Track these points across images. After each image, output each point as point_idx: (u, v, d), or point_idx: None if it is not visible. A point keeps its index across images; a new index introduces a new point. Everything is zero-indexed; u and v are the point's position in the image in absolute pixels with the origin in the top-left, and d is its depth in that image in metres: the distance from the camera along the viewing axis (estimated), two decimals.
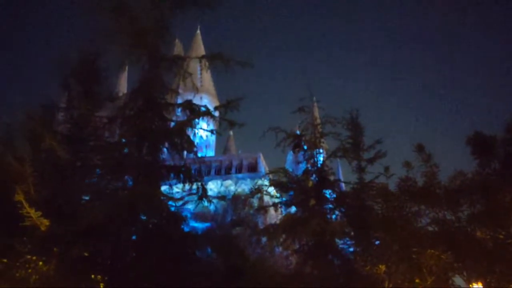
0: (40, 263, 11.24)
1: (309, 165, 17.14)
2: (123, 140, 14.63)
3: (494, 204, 13.25)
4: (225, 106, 14.82)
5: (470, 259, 13.24)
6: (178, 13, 14.96)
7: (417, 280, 13.53)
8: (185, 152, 15.01)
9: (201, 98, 55.42)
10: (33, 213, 11.04)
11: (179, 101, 15.71)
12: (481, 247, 13.26)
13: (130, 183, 13.63)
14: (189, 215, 15.81)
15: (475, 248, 13.15)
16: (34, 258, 11.23)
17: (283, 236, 16.17)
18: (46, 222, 11.21)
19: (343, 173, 39.67)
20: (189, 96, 16.15)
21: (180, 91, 15.95)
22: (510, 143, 14.08)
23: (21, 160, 12.31)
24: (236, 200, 29.36)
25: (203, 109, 14.98)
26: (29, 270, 11.16)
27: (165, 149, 14.55)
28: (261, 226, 23.22)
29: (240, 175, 52.69)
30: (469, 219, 14.03)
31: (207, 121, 15.84)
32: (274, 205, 17.52)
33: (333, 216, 16.55)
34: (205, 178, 20.69)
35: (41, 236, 11.22)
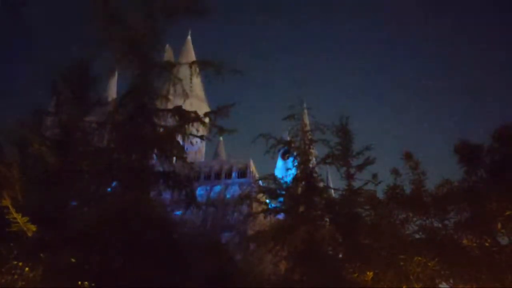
0: (27, 269, 11.11)
1: (298, 172, 17.20)
2: (112, 146, 14.58)
3: (480, 212, 13.39)
4: (215, 112, 14.87)
5: (457, 266, 13.33)
6: (171, 22, 15.04)
7: (404, 287, 13.61)
8: (174, 158, 15.00)
9: (191, 104, 55.47)
10: (19, 218, 10.92)
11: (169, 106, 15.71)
12: (467, 255, 13.38)
13: (119, 189, 13.58)
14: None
15: (461, 256, 13.26)
16: (21, 264, 11.11)
17: (272, 242, 16.17)
18: (33, 227, 11.09)
19: (332, 180, 39.83)
20: (179, 102, 16.17)
21: (170, 97, 15.95)
22: (496, 151, 14.25)
23: (9, 165, 12.21)
24: (225, 206, 29.33)
25: (192, 115, 15.01)
26: (15, 276, 11.03)
27: (154, 155, 14.53)
28: (250, 233, 23.20)
29: (229, 181, 52.68)
30: (456, 227, 14.15)
31: (197, 127, 15.85)
32: (263, 211, 17.54)
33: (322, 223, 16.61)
34: (194, 183, 20.63)
35: (28, 241, 11.11)
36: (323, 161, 17.21)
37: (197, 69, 15.73)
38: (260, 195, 18.03)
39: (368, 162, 16.63)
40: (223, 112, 14.84)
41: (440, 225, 14.44)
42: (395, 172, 15.43)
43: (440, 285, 14.08)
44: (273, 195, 17.22)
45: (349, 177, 16.72)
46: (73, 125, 14.41)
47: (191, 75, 15.67)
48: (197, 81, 16.02)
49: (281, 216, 17.75)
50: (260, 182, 18.28)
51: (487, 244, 13.37)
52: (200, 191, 47.49)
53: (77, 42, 15.20)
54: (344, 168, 16.86)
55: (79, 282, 11.78)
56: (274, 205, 17.64)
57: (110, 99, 17.82)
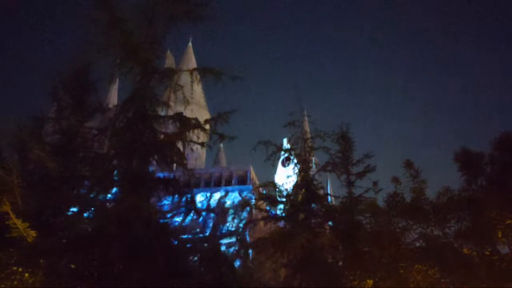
0: (26, 275, 11.09)
1: (298, 179, 17.23)
2: (113, 152, 14.57)
3: (481, 221, 13.36)
4: (216, 119, 14.88)
5: (457, 275, 13.29)
6: (172, 28, 15.08)
7: None
8: (174, 164, 15.00)
9: (191, 110, 55.60)
10: (19, 224, 10.92)
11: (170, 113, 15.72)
12: (468, 263, 13.34)
13: (119, 195, 13.57)
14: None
15: (461, 264, 13.23)
16: (20, 269, 11.08)
17: (272, 249, 16.16)
18: (33, 233, 11.09)
19: (333, 188, 39.85)
20: (179, 109, 16.18)
21: (171, 103, 15.97)
22: (496, 159, 14.24)
23: (9, 171, 12.21)
24: (225, 213, 29.29)
25: (193, 122, 15.01)
26: (15, 282, 11.00)
27: (154, 161, 14.52)
28: (249, 239, 23.15)
29: (229, 188, 52.66)
30: (456, 235, 14.12)
31: (198, 133, 15.86)
32: (263, 218, 17.55)
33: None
34: (194, 190, 20.63)
35: (28, 247, 11.09)
36: (324, 168, 17.26)
37: (198, 76, 15.74)
38: (260, 202, 18.04)
39: (369, 169, 16.70)
40: (223, 119, 14.84)
41: (440, 233, 14.41)
42: (396, 180, 15.44)
43: None
44: (273, 202, 17.25)
45: (350, 184, 16.77)
46: (73, 131, 14.42)
47: (192, 82, 15.69)
48: (197, 88, 16.03)
49: (281, 223, 17.75)
50: (260, 189, 18.31)
51: (487, 253, 13.34)
52: (200, 198, 47.55)
53: (78, 47, 15.20)
54: (345, 176, 16.91)
55: None
56: (274, 212, 17.65)
57: (110, 105, 17.82)
